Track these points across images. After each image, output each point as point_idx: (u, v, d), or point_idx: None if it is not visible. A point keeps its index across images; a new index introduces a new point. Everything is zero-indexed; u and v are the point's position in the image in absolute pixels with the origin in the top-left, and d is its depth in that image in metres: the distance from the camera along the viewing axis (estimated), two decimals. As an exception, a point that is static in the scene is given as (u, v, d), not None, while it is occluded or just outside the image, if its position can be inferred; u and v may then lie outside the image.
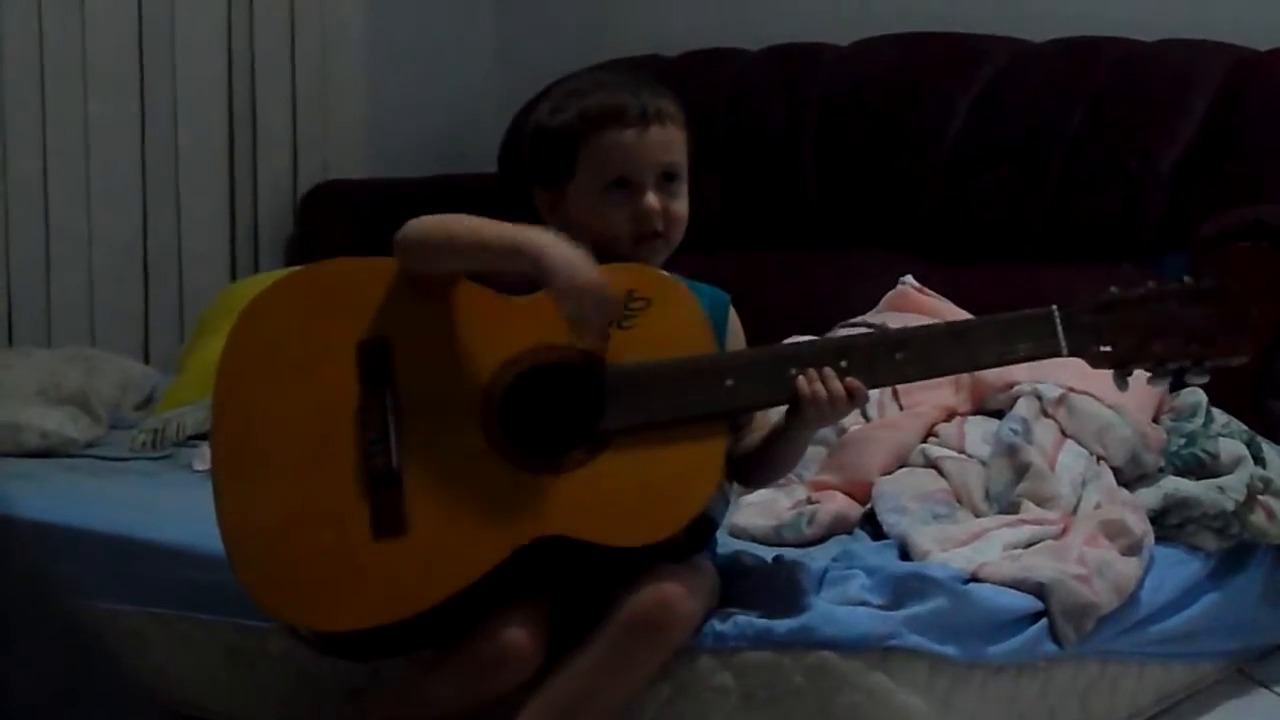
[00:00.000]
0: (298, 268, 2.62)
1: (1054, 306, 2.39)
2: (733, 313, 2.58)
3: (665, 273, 2.46)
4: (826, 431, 3.12)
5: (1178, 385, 2.47)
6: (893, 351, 2.41)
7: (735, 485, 2.59)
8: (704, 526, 2.40)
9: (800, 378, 2.37)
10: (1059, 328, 2.38)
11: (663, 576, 2.33)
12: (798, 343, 2.43)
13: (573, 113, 2.49)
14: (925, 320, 3.28)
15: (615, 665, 2.33)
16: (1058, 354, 2.39)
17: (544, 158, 2.52)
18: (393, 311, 2.47)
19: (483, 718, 2.38)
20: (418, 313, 2.46)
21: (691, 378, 2.38)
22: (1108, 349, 2.38)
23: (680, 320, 2.42)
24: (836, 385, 2.36)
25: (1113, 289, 2.40)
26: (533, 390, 2.40)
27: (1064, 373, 2.96)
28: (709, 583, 2.43)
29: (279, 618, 2.46)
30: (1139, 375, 2.39)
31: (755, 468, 2.53)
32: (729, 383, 2.38)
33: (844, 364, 2.37)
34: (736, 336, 2.58)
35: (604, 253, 2.43)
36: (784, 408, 2.44)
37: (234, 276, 4.76)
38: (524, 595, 2.38)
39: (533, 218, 2.57)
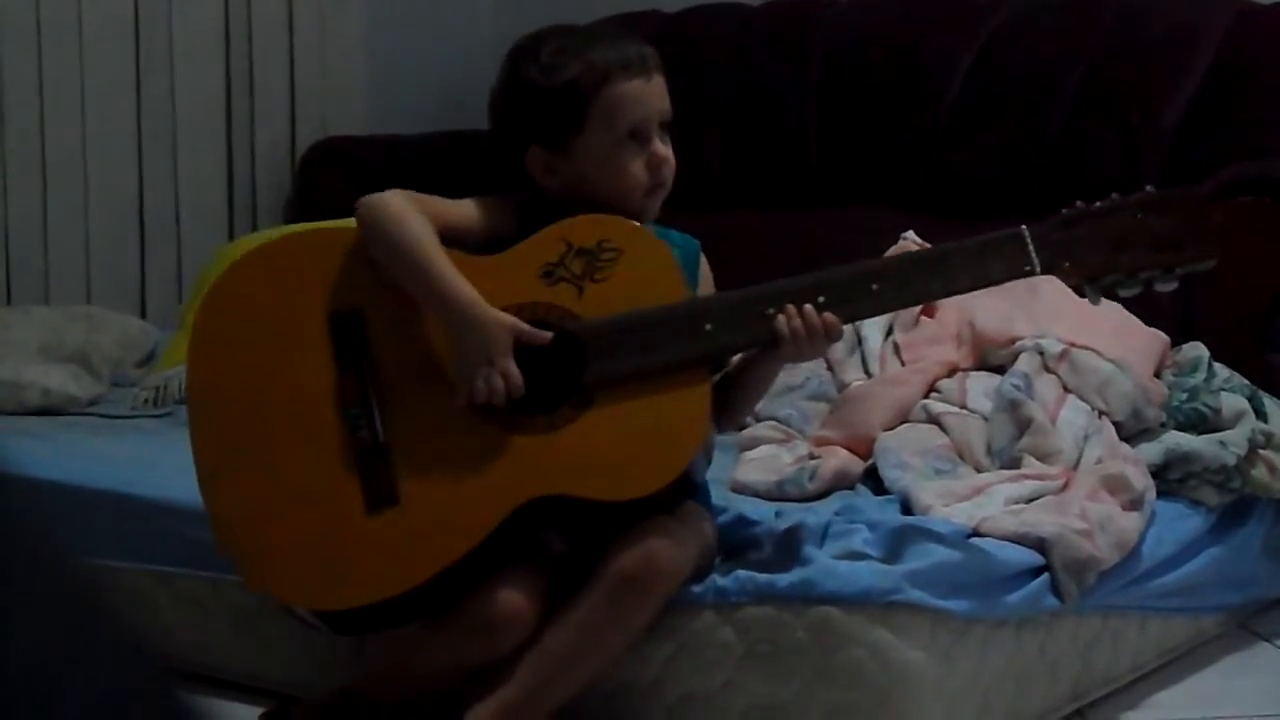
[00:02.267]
0: (263, 240, 2.59)
1: (1023, 226, 2.40)
2: (703, 259, 2.59)
3: (634, 222, 2.44)
4: (829, 387, 3.13)
5: (1150, 296, 2.49)
6: (869, 283, 2.41)
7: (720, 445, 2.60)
8: (690, 472, 2.39)
9: (780, 316, 2.37)
10: (1030, 246, 2.38)
11: (649, 532, 2.33)
12: (774, 282, 2.42)
13: (575, 68, 2.44)
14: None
15: (603, 621, 2.34)
16: (1031, 273, 2.40)
17: (547, 116, 2.46)
18: (363, 281, 2.43)
19: (479, 676, 2.38)
20: (388, 282, 2.41)
21: (670, 325, 2.38)
22: (1079, 263, 2.39)
23: (651, 268, 2.41)
24: (815, 321, 2.36)
25: (1078, 203, 2.40)
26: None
27: (1066, 327, 2.96)
28: (699, 533, 2.44)
29: (278, 600, 2.46)
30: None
31: (725, 408, 2.51)
32: (708, 327, 2.38)
33: (821, 299, 2.38)
34: (707, 283, 2.59)
35: (615, 205, 2.44)
36: None
37: (231, 235, 4.75)
38: (521, 557, 2.38)
39: (513, 177, 2.55)
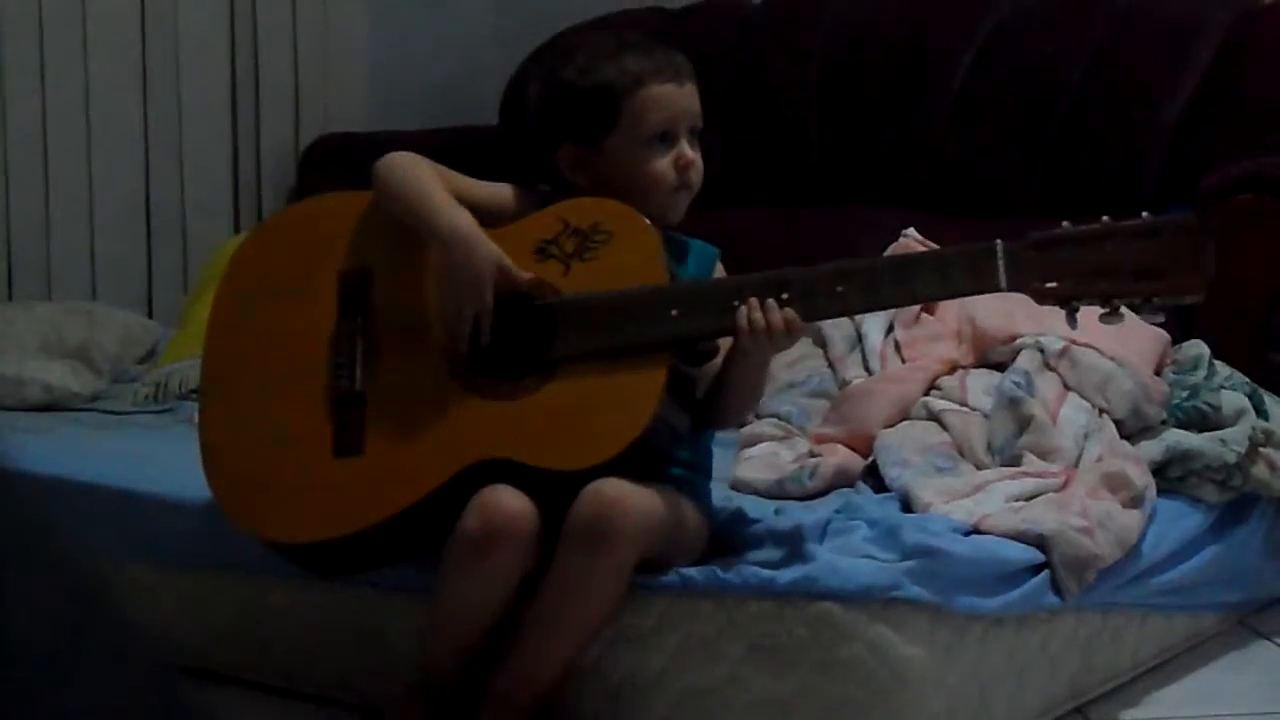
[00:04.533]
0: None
1: (998, 241, 2.38)
2: (719, 267, 2.63)
3: (629, 208, 2.50)
4: (829, 384, 3.13)
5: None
6: (834, 284, 2.43)
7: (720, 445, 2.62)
8: (648, 456, 2.42)
9: (741, 308, 2.40)
10: (1000, 262, 2.37)
11: (601, 482, 2.36)
12: (742, 275, 2.46)
13: (611, 70, 2.53)
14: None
15: (574, 578, 2.38)
16: (997, 289, 2.39)
17: (581, 114, 2.54)
18: (374, 242, 2.59)
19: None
20: (397, 243, 2.56)
21: (638, 307, 2.44)
22: (1052, 284, 2.36)
23: (638, 255, 2.48)
24: (776, 316, 2.39)
25: (1063, 224, 2.38)
26: (495, 318, 2.48)
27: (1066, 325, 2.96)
28: (673, 506, 2.45)
29: (243, 528, 2.57)
30: (1090, 312, 2.38)
31: (714, 407, 2.54)
32: (673, 312, 2.43)
33: (785, 295, 2.40)
34: None
35: (640, 204, 2.51)
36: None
37: (236, 230, 4.75)
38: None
39: (536, 173, 2.59)
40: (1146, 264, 2.34)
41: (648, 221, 2.49)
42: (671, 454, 2.51)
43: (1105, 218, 2.38)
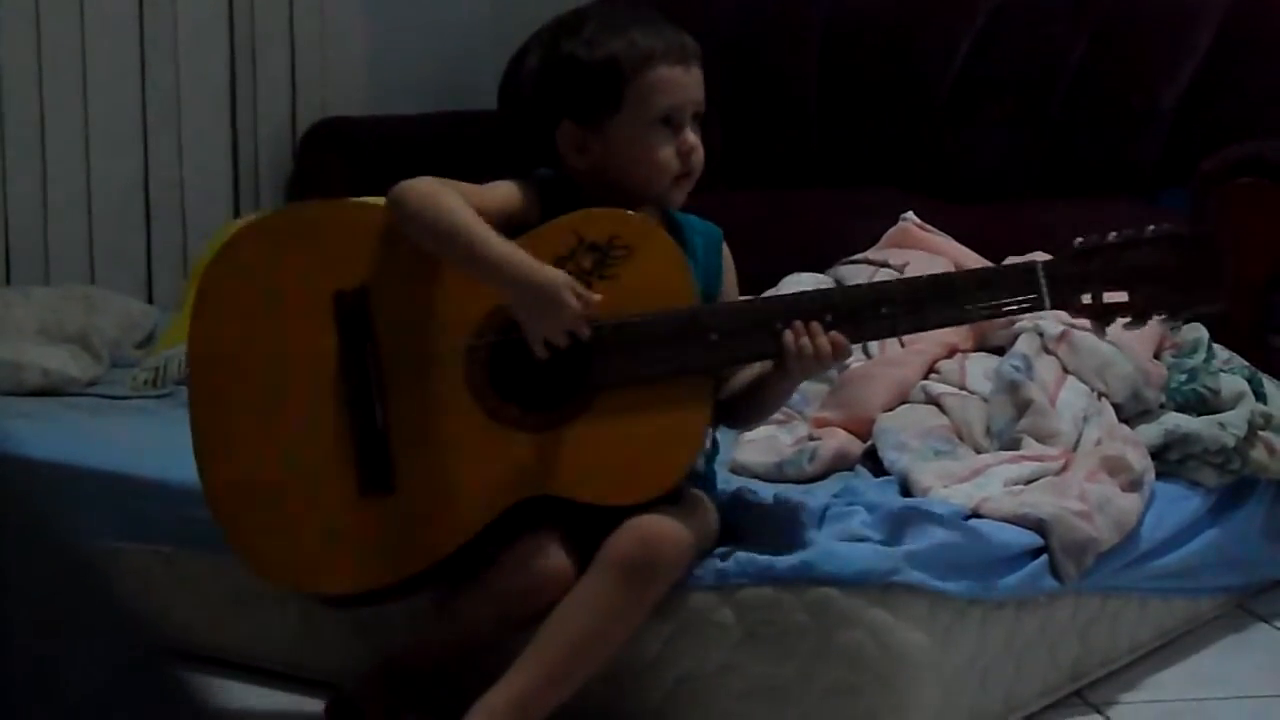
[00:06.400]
0: (273, 210, 2.61)
1: (1038, 260, 2.39)
2: (725, 249, 2.58)
3: (648, 219, 2.42)
4: (828, 368, 3.12)
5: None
6: (878, 305, 2.40)
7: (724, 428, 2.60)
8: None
9: (786, 332, 2.36)
10: (1042, 281, 2.37)
11: (647, 517, 2.32)
12: (782, 296, 2.42)
13: (619, 46, 2.43)
14: (926, 257, 3.28)
15: (607, 608, 2.32)
16: (1040, 308, 2.40)
17: (585, 91, 2.44)
18: (371, 259, 2.43)
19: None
20: (397, 261, 2.42)
21: (677, 332, 2.36)
22: (1088, 299, 2.38)
23: (662, 269, 2.39)
24: (822, 340, 2.35)
25: (1089, 236, 2.39)
26: (518, 344, 2.36)
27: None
28: (702, 518, 2.43)
29: (269, 581, 2.49)
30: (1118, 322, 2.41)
31: (740, 412, 2.53)
32: (714, 337, 2.36)
33: (829, 318, 2.37)
34: (729, 272, 2.58)
35: (641, 189, 2.44)
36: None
37: (236, 214, 4.75)
38: (549, 519, 2.37)
39: (534, 155, 2.55)
40: (1175, 276, 2.36)
41: (668, 236, 2.41)
42: (714, 453, 2.50)
43: (1129, 230, 2.38)
